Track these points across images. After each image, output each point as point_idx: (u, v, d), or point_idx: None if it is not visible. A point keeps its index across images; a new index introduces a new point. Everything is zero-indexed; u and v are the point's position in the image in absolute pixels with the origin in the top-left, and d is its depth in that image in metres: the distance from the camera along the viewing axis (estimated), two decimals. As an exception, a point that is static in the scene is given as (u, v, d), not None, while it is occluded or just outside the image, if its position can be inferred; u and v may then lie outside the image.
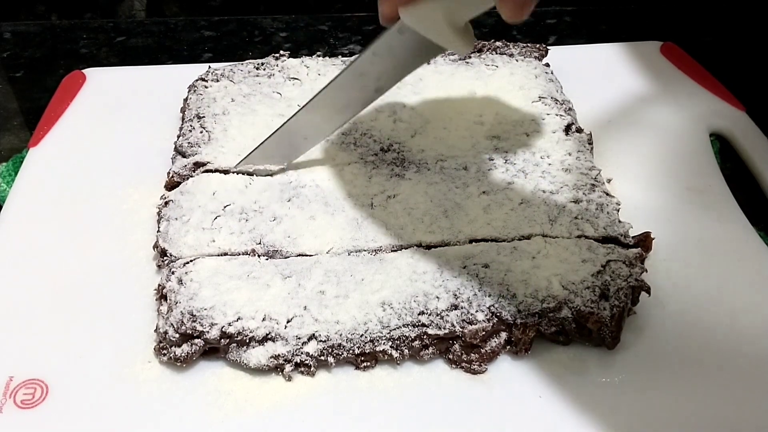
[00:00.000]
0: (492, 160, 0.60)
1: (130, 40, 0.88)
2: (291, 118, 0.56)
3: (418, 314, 0.49)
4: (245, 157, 0.59)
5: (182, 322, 0.48)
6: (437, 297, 0.50)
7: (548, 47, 0.74)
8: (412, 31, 0.47)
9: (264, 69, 0.69)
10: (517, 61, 0.70)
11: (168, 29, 0.90)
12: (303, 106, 0.55)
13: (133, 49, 0.87)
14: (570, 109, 0.66)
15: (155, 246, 0.55)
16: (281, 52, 0.71)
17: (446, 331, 0.49)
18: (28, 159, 0.66)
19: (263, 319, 0.49)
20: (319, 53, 0.72)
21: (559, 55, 0.74)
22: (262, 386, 0.49)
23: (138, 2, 0.92)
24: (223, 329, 0.48)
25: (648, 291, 0.52)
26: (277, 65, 0.70)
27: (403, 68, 0.51)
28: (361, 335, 0.49)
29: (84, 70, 0.76)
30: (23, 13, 0.91)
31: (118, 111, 0.71)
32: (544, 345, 0.52)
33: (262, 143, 0.58)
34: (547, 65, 0.71)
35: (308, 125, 0.56)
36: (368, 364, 0.50)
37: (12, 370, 0.49)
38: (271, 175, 0.59)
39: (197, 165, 0.59)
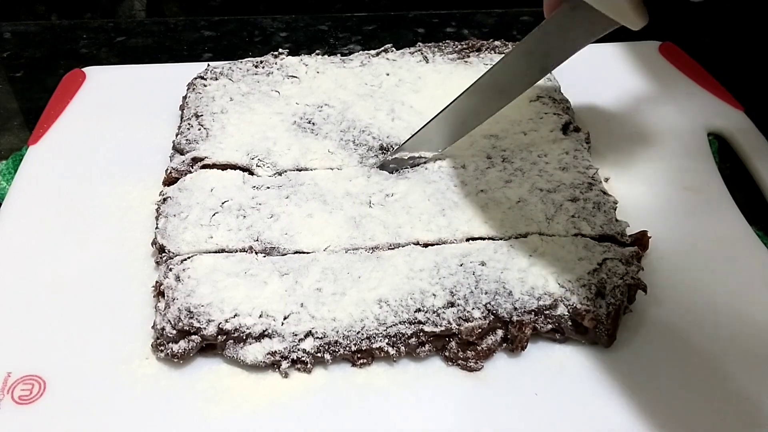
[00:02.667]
0: (490, 158, 0.60)
1: (130, 40, 0.88)
2: (451, 103, 0.56)
3: (415, 311, 0.49)
4: (400, 146, 0.59)
5: (179, 318, 0.49)
6: (434, 294, 0.50)
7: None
8: (586, 6, 0.46)
9: (263, 67, 0.70)
10: (515, 60, 0.70)
11: (168, 29, 0.91)
12: (465, 90, 0.55)
13: (133, 49, 0.87)
14: (568, 108, 0.66)
15: (153, 242, 0.55)
16: (280, 50, 0.71)
17: (443, 328, 0.49)
18: (27, 157, 0.66)
19: (260, 316, 0.49)
20: (318, 52, 0.72)
21: (557, 54, 0.74)
22: (259, 383, 0.49)
23: (138, 2, 0.92)
24: (220, 326, 0.48)
25: (644, 289, 0.52)
26: (275, 63, 0.70)
27: (571, 46, 0.51)
28: (358, 332, 0.49)
29: (84, 69, 0.76)
30: (23, 13, 0.91)
31: (118, 109, 0.71)
32: (540, 343, 0.52)
33: (418, 131, 0.58)
34: (546, 65, 0.71)
35: (468, 109, 0.56)
36: (365, 361, 0.50)
37: (10, 366, 0.49)
38: (422, 163, 0.60)
39: (195, 161, 0.60)
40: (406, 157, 0.60)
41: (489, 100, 0.56)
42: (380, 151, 0.61)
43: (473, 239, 0.54)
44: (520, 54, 0.53)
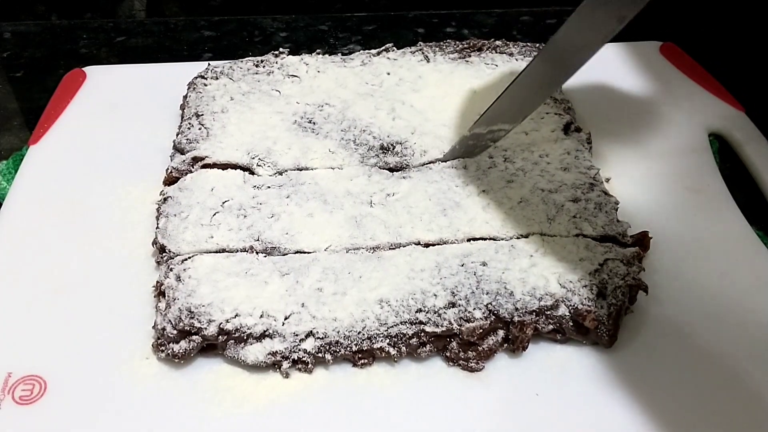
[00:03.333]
0: (491, 158, 0.60)
1: (130, 40, 0.88)
2: (523, 71, 0.54)
3: (416, 312, 0.49)
4: (476, 121, 0.58)
5: (180, 318, 0.49)
6: (435, 295, 0.50)
7: (547, 47, 0.74)
8: None
9: (263, 66, 0.69)
10: (516, 60, 0.70)
11: (168, 29, 0.90)
12: (535, 58, 0.53)
13: (133, 49, 0.87)
14: (569, 108, 0.66)
15: (154, 242, 0.55)
16: (281, 49, 0.71)
17: (444, 328, 0.49)
18: (28, 157, 0.66)
19: (261, 316, 0.49)
20: (318, 51, 0.72)
21: (558, 55, 0.74)
22: (260, 383, 0.49)
23: (138, 2, 0.92)
24: (221, 326, 0.48)
25: (645, 290, 0.52)
26: (276, 62, 0.70)
27: None
28: (359, 332, 0.49)
29: (84, 69, 0.76)
30: (23, 13, 0.91)
31: (118, 109, 0.71)
32: (541, 343, 0.52)
33: (491, 105, 0.57)
34: (546, 64, 0.71)
35: (542, 75, 0.54)
36: (365, 361, 0.50)
37: (11, 366, 0.49)
38: (502, 136, 0.60)
39: (195, 160, 0.59)
40: (485, 131, 0.59)
41: (563, 64, 0.52)
42: (380, 151, 0.61)
43: (474, 239, 0.54)
44: (589, 9, 0.49)
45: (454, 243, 0.54)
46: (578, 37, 0.50)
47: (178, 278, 0.51)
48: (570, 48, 0.51)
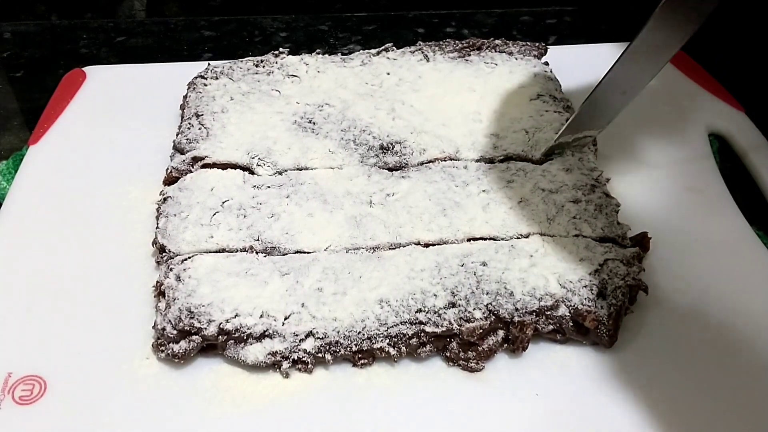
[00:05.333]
0: (492, 158, 0.60)
1: (130, 40, 0.88)
2: (606, 75, 0.54)
3: (416, 312, 0.49)
4: (562, 130, 0.58)
5: (180, 318, 0.49)
6: (435, 295, 0.50)
7: (548, 46, 0.74)
8: None
9: (263, 66, 0.69)
10: (516, 59, 0.70)
11: (168, 29, 0.90)
12: (618, 59, 0.52)
13: (133, 49, 0.87)
14: (568, 106, 0.66)
15: (154, 242, 0.55)
16: (281, 49, 0.71)
17: (444, 328, 0.49)
18: (27, 157, 0.66)
19: (261, 316, 0.49)
20: (318, 51, 0.72)
21: (558, 54, 0.74)
22: (260, 383, 0.49)
23: (138, 2, 0.92)
24: (221, 326, 0.48)
25: (646, 290, 0.52)
26: (276, 62, 0.70)
27: None
28: (359, 332, 0.49)
29: (84, 69, 0.76)
30: (23, 13, 0.91)
31: (118, 109, 0.71)
32: (541, 343, 0.52)
33: (576, 113, 0.57)
34: (546, 64, 0.71)
35: (625, 77, 0.53)
36: (365, 361, 0.50)
37: (11, 366, 0.49)
38: (588, 143, 0.60)
39: (195, 160, 0.59)
40: (571, 140, 0.59)
41: (646, 63, 0.52)
42: (380, 151, 0.61)
43: (474, 239, 0.54)
44: (669, 8, 0.48)
45: (454, 243, 0.54)
46: (660, 37, 0.50)
47: (178, 278, 0.51)
48: (652, 48, 0.51)
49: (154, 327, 0.50)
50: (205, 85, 0.67)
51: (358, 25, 0.92)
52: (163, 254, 0.53)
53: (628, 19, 0.93)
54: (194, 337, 0.49)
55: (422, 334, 0.49)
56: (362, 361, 0.50)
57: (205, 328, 0.48)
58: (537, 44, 0.73)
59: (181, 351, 0.49)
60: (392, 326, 0.49)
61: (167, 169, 0.60)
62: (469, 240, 0.54)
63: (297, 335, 0.49)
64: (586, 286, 0.51)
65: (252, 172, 0.59)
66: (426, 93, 0.66)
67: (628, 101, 0.56)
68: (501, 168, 0.59)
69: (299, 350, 0.49)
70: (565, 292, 0.50)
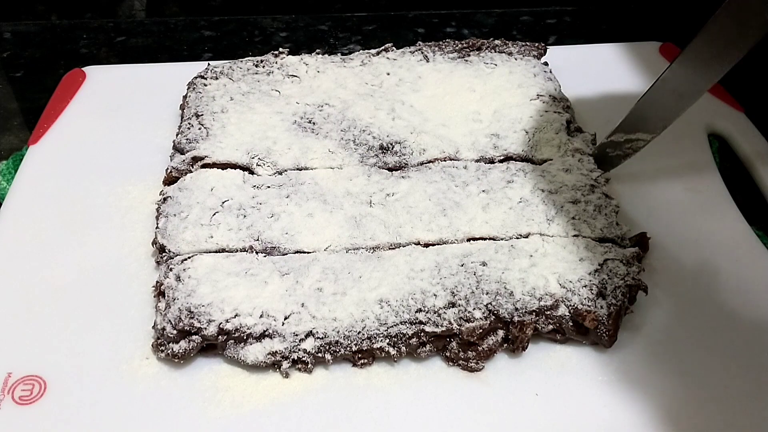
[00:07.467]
0: (492, 158, 0.60)
1: (130, 40, 0.88)
2: (660, 76, 0.52)
3: (416, 312, 0.49)
4: (615, 129, 0.57)
5: (180, 318, 0.49)
6: (435, 295, 0.50)
7: (547, 46, 0.74)
8: None
9: (263, 66, 0.69)
10: (516, 59, 0.70)
11: (168, 29, 0.90)
12: (674, 60, 0.51)
13: (133, 49, 0.87)
14: (568, 107, 0.66)
15: (154, 242, 0.55)
16: (281, 49, 0.71)
17: (443, 328, 0.49)
18: (27, 157, 0.66)
19: (261, 316, 0.49)
20: (318, 51, 0.72)
21: (558, 54, 0.74)
22: (260, 383, 0.49)
23: (138, 2, 0.92)
24: (221, 326, 0.48)
25: (645, 290, 0.52)
26: (276, 62, 0.70)
27: None
28: (359, 332, 0.49)
29: (84, 69, 0.76)
30: (23, 13, 0.91)
31: (118, 109, 0.71)
32: (541, 343, 0.52)
33: (633, 109, 0.55)
34: (546, 64, 0.71)
35: (682, 79, 0.51)
36: (365, 361, 0.50)
37: (10, 366, 0.49)
38: (639, 147, 0.58)
39: (195, 160, 0.59)
40: (622, 140, 0.57)
41: (705, 65, 0.49)
42: (380, 151, 0.61)
43: (474, 239, 0.54)
44: (735, 9, 0.46)
45: (454, 243, 0.54)
46: (723, 39, 0.48)
47: (178, 278, 0.51)
48: (714, 51, 0.48)
49: (154, 327, 0.50)
50: (205, 85, 0.67)
51: (358, 25, 0.92)
52: (163, 254, 0.53)
53: (627, 19, 0.93)
54: (194, 337, 0.49)
55: (422, 334, 0.49)
56: (362, 361, 0.50)
57: (205, 328, 0.48)
58: (537, 44, 0.73)
59: (180, 351, 0.49)
60: (392, 326, 0.49)
61: (167, 169, 0.60)
62: (468, 240, 0.54)
63: (297, 335, 0.49)
64: (585, 286, 0.51)
65: (252, 172, 0.59)
66: (426, 93, 0.66)
67: (686, 106, 0.53)
68: (501, 168, 0.59)
69: (299, 350, 0.49)
70: (564, 292, 0.50)
